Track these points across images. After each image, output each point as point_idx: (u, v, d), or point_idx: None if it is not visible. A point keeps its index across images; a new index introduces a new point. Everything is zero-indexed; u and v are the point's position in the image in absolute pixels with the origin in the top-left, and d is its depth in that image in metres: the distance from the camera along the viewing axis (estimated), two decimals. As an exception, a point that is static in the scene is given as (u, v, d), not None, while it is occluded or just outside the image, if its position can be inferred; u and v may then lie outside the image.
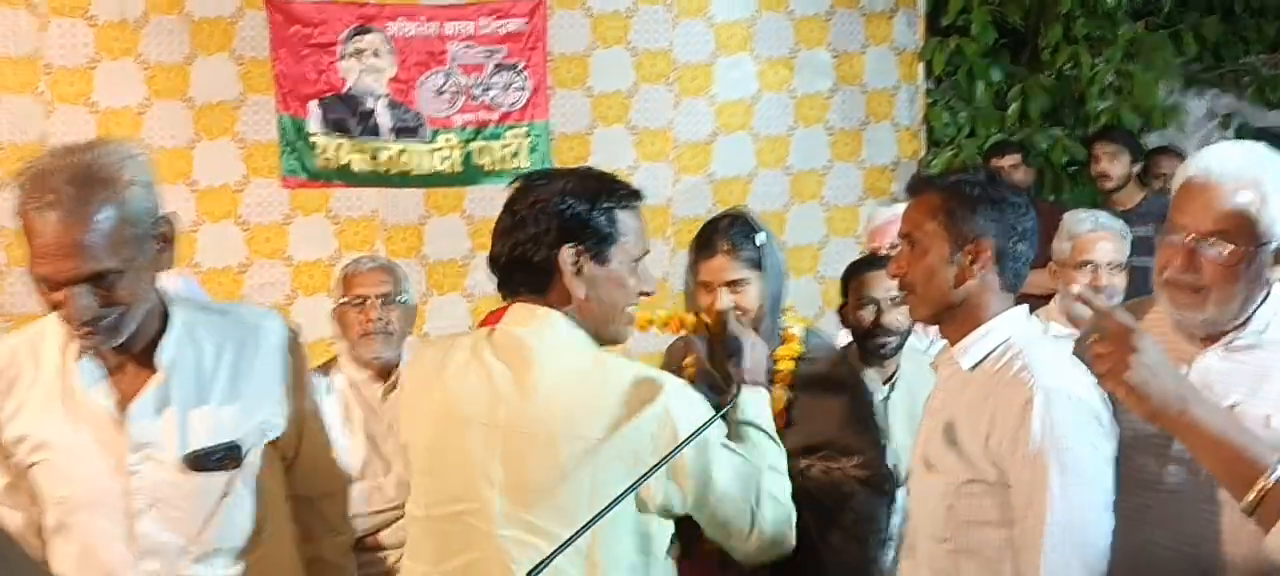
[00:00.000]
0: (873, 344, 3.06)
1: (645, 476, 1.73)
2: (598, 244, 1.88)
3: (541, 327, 1.88)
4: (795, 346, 2.59)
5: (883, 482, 2.58)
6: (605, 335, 1.94)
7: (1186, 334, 1.95)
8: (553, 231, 1.86)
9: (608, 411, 1.82)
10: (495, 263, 1.93)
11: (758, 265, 2.51)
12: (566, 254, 1.86)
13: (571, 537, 1.59)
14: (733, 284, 2.48)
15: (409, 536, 1.99)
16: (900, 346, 3.06)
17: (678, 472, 1.85)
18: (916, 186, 2.11)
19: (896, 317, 3.01)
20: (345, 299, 3.06)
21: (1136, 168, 4.94)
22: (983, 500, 1.90)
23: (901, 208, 2.27)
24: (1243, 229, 1.83)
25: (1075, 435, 1.83)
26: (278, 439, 2.03)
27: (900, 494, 2.92)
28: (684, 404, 1.85)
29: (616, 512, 1.67)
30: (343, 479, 2.26)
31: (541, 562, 1.53)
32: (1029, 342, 1.94)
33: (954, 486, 1.93)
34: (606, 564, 1.83)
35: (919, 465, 2.05)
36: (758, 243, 2.51)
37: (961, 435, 1.93)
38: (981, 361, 1.95)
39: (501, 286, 1.96)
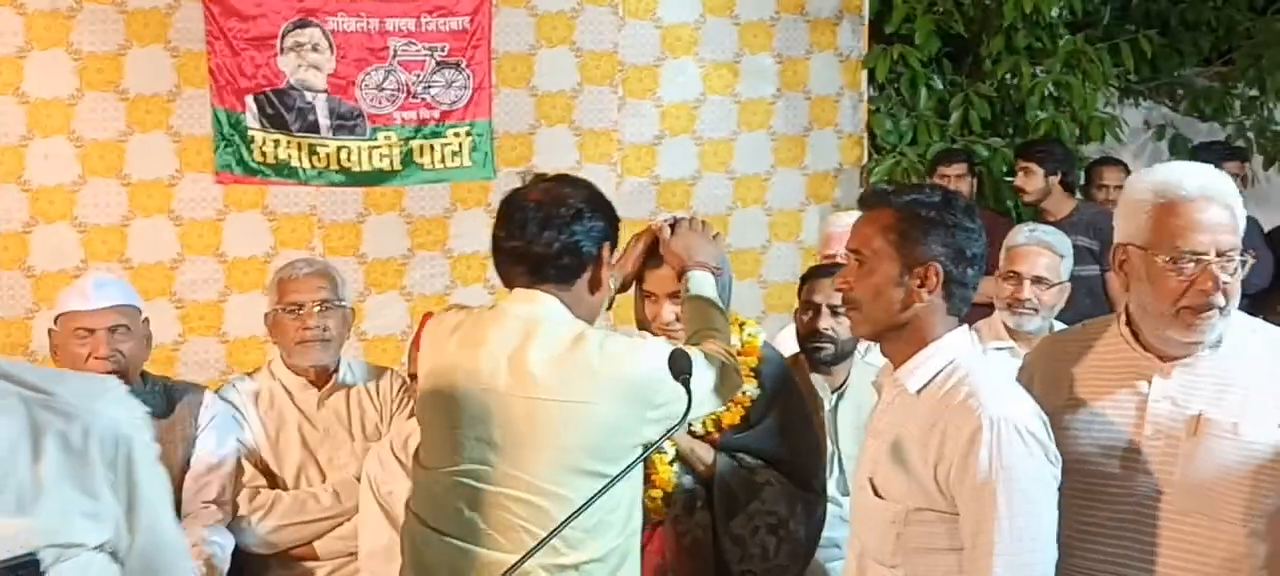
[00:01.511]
0: (810, 348, 3.08)
1: (648, 451, 2.04)
2: (614, 242, 2.23)
3: (538, 308, 2.14)
4: (753, 358, 2.58)
5: (807, 488, 2.55)
6: (593, 317, 2.23)
7: (1151, 351, 1.97)
8: (599, 227, 2.16)
9: (594, 375, 2.08)
10: (539, 250, 2.11)
11: None
12: (606, 247, 2.18)
13: (595, 496, 1.83)
14: (676, 295, 2.48)
15: (414, 487, 2.24)
16: (838, 355, 3.06)
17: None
18: (869, 200, 2.09)
19: (834, 325, 3.01)
20: (280, 305, 3.00)
21: (1054, 179, 4.99)
22: (933, 527, 1.90)
23: (856, 216, 2.27)
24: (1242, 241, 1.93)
25: (1022, 465, 1.83)
26: (101, 544, 1.52)
27: (846, 502, 2.93)
28: (654, 355, 2.09)
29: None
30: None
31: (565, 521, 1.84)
32: (974, 366, 1.94)
33: (902, 513, 1.92)
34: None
35: (865, 486, 2.02)
36: None
37: (910, 461, 1.92)
38: (927, 384, 1.93)
39: (531, 272, 2.15)
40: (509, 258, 2.16)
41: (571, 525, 1.91)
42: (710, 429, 2.54)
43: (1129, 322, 2.02)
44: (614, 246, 2.21)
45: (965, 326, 2.00)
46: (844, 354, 3.07)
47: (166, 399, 2.86)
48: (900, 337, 1.96)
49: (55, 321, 2.86)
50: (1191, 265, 1.88)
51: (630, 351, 2.13)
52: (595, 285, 2.18)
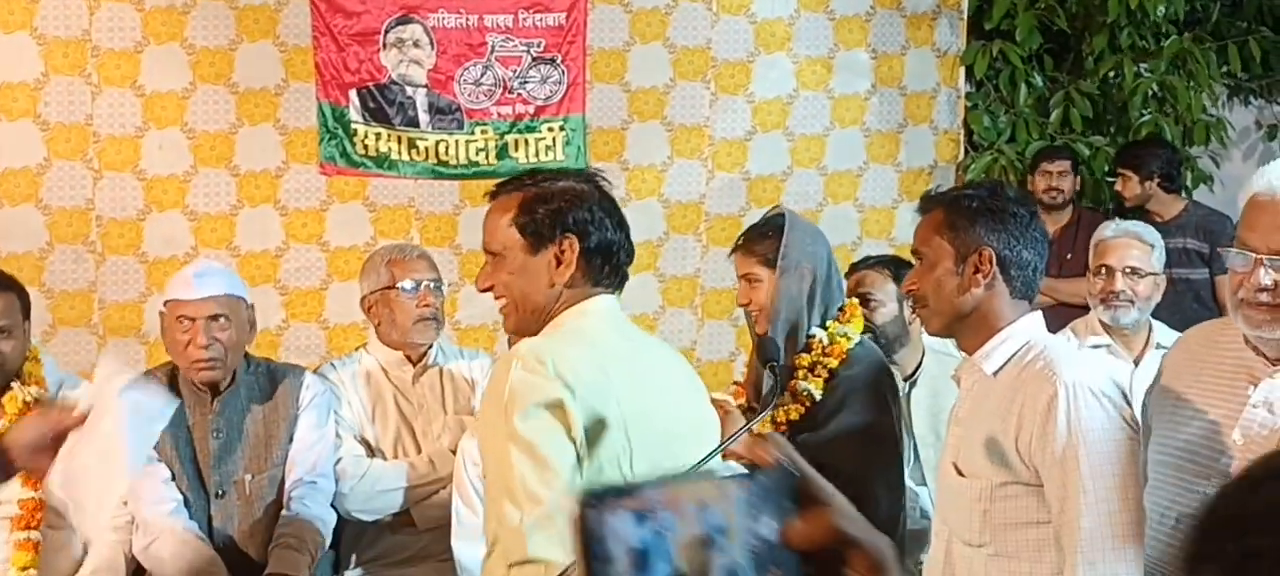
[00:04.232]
0: None
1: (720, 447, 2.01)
2: None
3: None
4: (834, 360, 2.59)
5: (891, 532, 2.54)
6: None
7: (1261, 353, 1.94)
8: None
9: None
10: (628, 252, 2.01)
11: (770, 263, 2.57)
12: None
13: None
14: (746, 277, 2.60)
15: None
16: (883, 342, 3.05)
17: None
18: (923, 205, 2.22)
19: (866, 313, 3.00)
20: (394, 285, 3.09)
21: (1152, 183, 4.88)
22: (1019, 500, 1.94)
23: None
24: None
25: (1099, 426, 1.87)
26: None
27: (923, 491, 2.94)
28: None
29: None
30: None
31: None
32: (1049, 343, 2.00)
33: (988, 489, 1.96)
34: None
35: (948, 471, 2.07)
36: (776, 233, 2.58)
37: (992, 437, 1.96)
38: (1005, 365, 2.00)
39: (620, 275, 2.01)
40: (629, 258, 2.02)
41: None
42: (780, 421, 2.58)
43: None
44: None
45: (1038, 313, 2.07)
46: (889, 338, 3.07)
47: (270, 380, 2.96)
48: (969, 327, 2.05)
49: (164, 305, 2.92)
50: (1247, 261, 1.89)
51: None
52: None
